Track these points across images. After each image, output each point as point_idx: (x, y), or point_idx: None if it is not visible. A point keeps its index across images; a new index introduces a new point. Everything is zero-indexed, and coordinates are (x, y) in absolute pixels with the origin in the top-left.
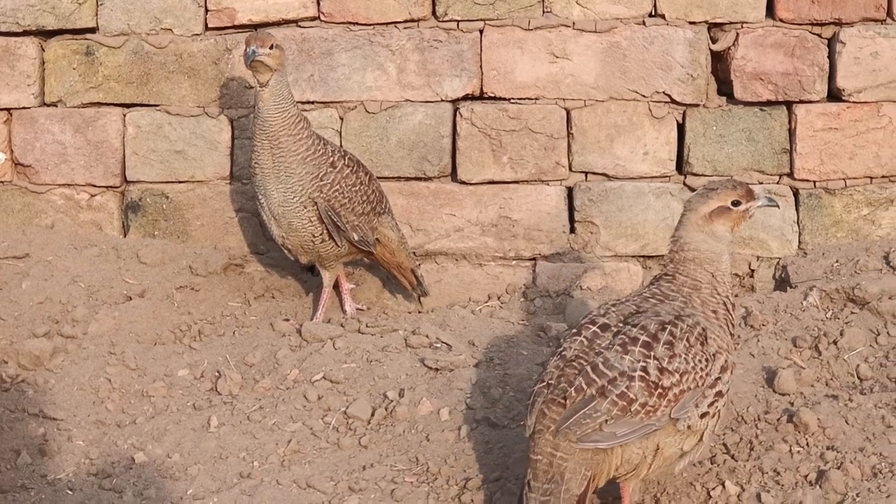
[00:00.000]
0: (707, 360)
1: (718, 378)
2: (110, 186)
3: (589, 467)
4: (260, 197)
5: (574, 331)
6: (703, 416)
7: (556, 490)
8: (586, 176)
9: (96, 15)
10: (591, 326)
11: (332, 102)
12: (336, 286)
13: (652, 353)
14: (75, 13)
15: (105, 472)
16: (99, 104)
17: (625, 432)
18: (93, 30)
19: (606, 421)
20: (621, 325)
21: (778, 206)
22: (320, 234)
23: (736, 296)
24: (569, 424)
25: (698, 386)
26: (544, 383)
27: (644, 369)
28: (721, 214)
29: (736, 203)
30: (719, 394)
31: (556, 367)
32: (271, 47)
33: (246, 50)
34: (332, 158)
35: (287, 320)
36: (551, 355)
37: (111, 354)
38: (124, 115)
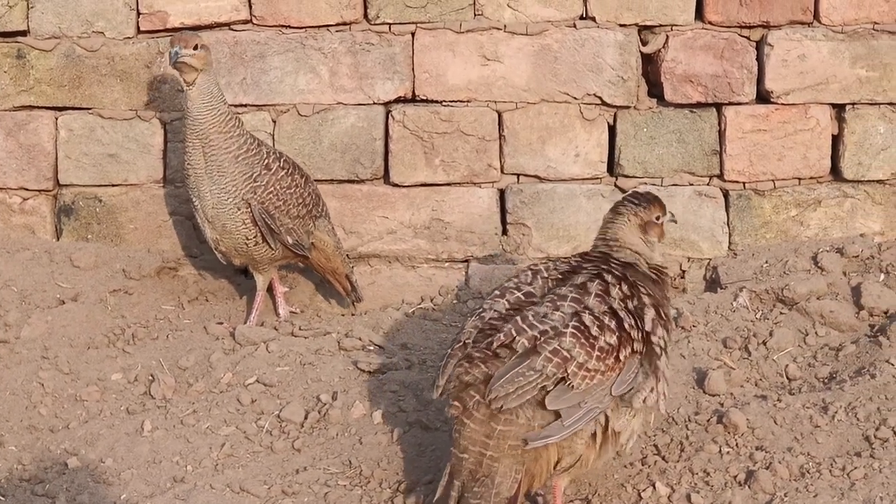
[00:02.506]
0: (640, 318)
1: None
2: (43, 190)
3: (520, 469)
4: (194, 199)
5: (497, 292)
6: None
7: (487, 493)
8: (518, 178)
9: (27, 18)
10: (515, 291)
11: (264, 105)
12: (270, 289)
13: (587, 312)
14: (6, 16)
15: (38, 478)
16: (31, 107)
17: (572, 421)
18: (24, 33)
19: (545, 387)
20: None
21: (675, 222)
22: (254, 237)
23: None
24: (502, 383)
25: (635, 351)
26: (460, 343)
27: (577, 328)
28: (652, 227)
29: (658, 218)
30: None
31: (474, 327)
32: (196, 48)
33: (170, 51)
34: (266, 160)
35: (221, 323)
36: (469, 316)
37: (44, 359)
38: (56, 119)
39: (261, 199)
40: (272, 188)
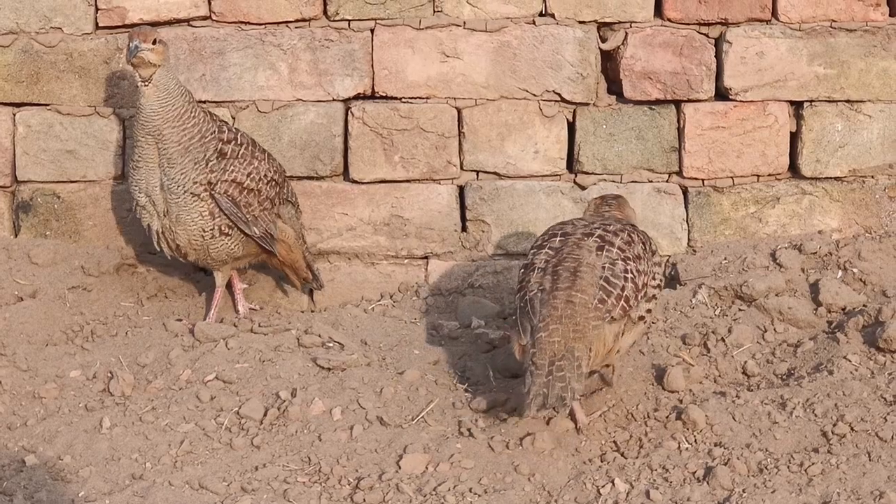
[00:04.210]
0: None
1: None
2: (0, 186)
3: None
4: (139, 196)
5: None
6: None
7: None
8: (478, 175)
9: None
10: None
11: (224, 102)
12: (229, 286)
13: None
14: None
15: None
16: None
17: None
18: None
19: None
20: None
21: None
22: (210, 230)
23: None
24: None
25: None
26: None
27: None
28: None
29: None
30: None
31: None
32: (154, 42)
33: (128, 45)
34: (220, 144)
35: (180, 320)
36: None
37: (1, 356)
38: (14, 115)
39: (225, 187)
40: (234, 166)
